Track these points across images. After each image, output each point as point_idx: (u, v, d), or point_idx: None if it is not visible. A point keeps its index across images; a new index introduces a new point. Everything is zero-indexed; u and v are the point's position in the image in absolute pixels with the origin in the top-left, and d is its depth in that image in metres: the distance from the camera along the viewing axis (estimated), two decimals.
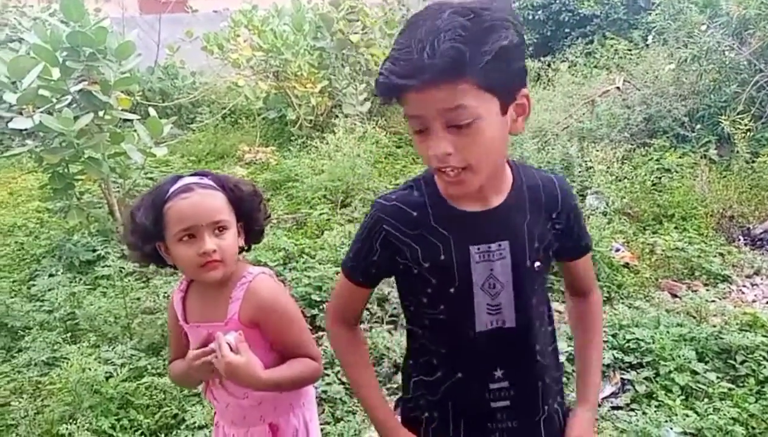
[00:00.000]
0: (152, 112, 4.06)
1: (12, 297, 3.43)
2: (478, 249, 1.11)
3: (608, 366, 2.71)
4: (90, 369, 2.55)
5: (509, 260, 1.11)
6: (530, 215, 1.13)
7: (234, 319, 1.31)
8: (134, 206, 1.32)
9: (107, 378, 2.57)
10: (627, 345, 2.81)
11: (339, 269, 3.70)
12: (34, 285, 3.60)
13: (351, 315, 1.28)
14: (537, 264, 1.13)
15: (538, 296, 1.17)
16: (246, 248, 1.42)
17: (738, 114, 4.92)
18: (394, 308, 3.15)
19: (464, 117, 0.95)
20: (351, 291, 1.24)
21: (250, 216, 1.37)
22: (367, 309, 3.14)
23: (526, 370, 1.18)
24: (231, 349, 1.22)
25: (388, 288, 3.26)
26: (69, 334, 3.09)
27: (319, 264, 3.50)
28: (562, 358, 1.42)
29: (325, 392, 2.54)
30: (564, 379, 1.32)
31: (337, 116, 6.14)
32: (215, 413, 1.50)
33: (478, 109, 0.95)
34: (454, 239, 1.10)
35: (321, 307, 3.15)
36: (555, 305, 2.01)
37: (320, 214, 4.46)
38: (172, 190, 1.28)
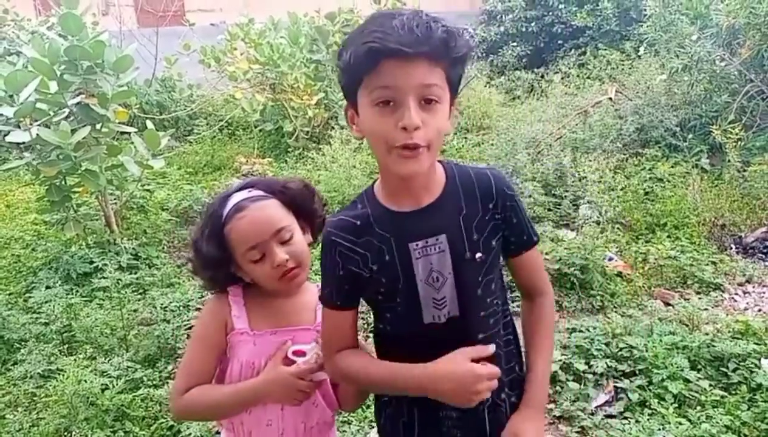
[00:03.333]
0: (149, 124, 4.09)
1: (8, 310, 3.43)
2: (416, 245, 1.15)
3: (601, 374, 2.73)
4: (86, 381, 2.56)
5: (448, 252, 1.16)
6: (466, 208, 1.17)
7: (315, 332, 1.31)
8: (194, 239, 1.29)
9: (103, 390, 2.58)
10: (620, 353, 2.82)
11: None
12: (30, 297, 3.61)
13: (345, 345, 1.23)
14: (478, 255, 1.16)
15: (485, 288, 1.19)
16: (315, 242, 1.37)
17: (729, 123, 4.98)
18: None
19: (434, 94, 1.04)
20: (336, 320, 1.23)
21: (307, 211, 1.34)
22: (363, 318, 3.14)
23: None
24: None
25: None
26: (65, 346, 3.10)
27: (316, 275, 3.51)
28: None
29: None
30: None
31: (333, 128, 6.19)
32: (225, 433, 1.38)
33: (442, 92, 1.06)
34: (395, 239, 1.16)
35: None
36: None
37: None
38: (225, 212, 1.26)
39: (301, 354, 1.28)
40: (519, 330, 1.32)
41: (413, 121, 1.02)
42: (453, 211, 1.17)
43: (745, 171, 4.78)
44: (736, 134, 4.81)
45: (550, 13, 9.28)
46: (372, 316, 1.30)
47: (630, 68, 6.78)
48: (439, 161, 1.20)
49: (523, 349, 1.31)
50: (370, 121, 1.07)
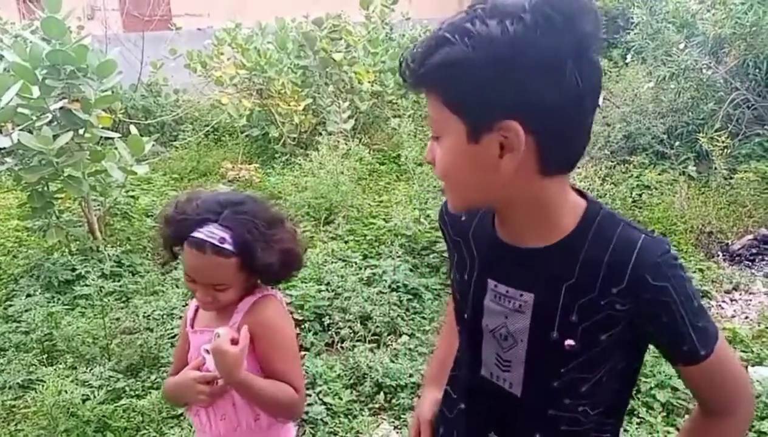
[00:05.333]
0: (134, 129, 4.04)
1: None
2: (495, 286, 0.94)
3: None
4: (66, 391, 2.50)
5: (529, 319, 0.91)
6: (578, 277, 0.87)
7: (233, 329, 1.33)
8: (163, 217, 1.37)
9: (84, 401, 2.52)
10: None
11: (321, 287, 3.64)
12: (11, 305, 3.53)
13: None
14: (569, 342, 0.88)
15: (569, 385, 0.92)
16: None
17: (715, 131, 5.01)
18: (377, 326, 3.14)
19: (432, 127, 0.87)
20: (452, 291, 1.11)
21: (265, 274, 1.36)
22: (350, 327, 3.12)
23: None
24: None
25: (371, 306, 3.25)
26: (45, 356, 3.03)
27: (302, 282, 3.48)
28: None
29: (306, 413, 2.52)
30: None
31: (320, 134, 6.15)
32: (195, 434, 1.48)
33: (440, 125, 0.85)
34: (479, 263, 0.97)
35: (303, 326, 3.13)
36: None
37: (303, 232, 4.44)
38: (193, 233, 1.28)
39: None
40: None
41: (425, 156, 0.92)
42: (559, 272, 0.88)
43: (731, 178, 4.82)
44: (723, 142, 4.84)
45: None
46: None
47: (617, 76, 6.81)
48: (586, 197, 0.92)
49: None
50: None
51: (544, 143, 0.81)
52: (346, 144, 5.80)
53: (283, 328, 1.38)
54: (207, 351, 1.33)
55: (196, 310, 1.45)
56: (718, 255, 4.16)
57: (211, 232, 1.27)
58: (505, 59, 0.76)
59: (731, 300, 3.62)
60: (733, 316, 3.43)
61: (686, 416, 2.47)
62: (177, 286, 3.64)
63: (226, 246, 1.27)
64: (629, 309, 0.85)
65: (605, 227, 0.87)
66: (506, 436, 1.00)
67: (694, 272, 3.79)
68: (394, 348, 3.02)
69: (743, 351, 2.83)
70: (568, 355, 0.89)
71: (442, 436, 1.13)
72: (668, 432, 2.37)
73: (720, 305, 3.56)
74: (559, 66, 0.77)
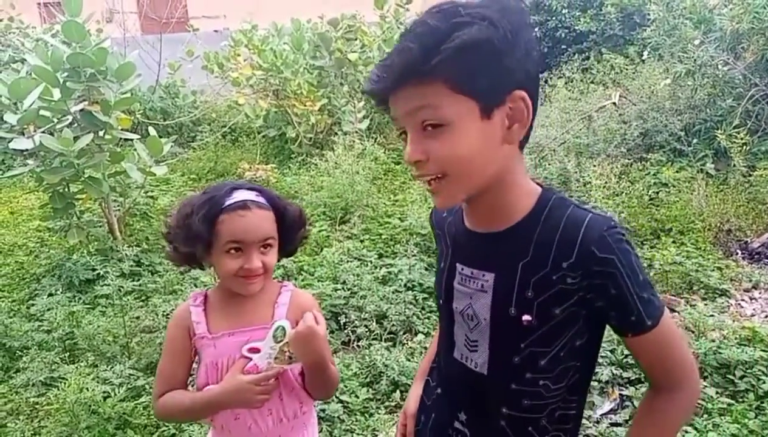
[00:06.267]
0: (152, 131, 4.09)
1: (11, 317, 3.44)
2: (462, 269, 1.03)
3: (607, 382, 2.70)
4: (88, 389, 2.55)
5: (490, 297, 0.98)
6: (532, 255, 0.94)
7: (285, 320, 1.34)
8: (187, 211, 1.33)
9: (105, 398, 2.57)
10: (625, 360, 2.80)
11: (337, 286, 3.67)
12: (33, 304, 3.61)
13: None
14: (526, 317, 0.94)
15: (529, 359, 0.97)
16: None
17: (734, 128, 4.95)
18: (393, 325, 3.15)
19: (431, 117, 0.88)
20: None
21: (289, 237, 1.41)
22: (366, 326, 3.14)
23: (488, 432, 1.05)
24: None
25: (387, 304, 3.26)
26: (67, 354, 3.09)
27: (318, 281, 3.51)
28: None
29: (323, 411, 2.54)
30: None
31: (336, 134, 6.18)
32: (212, 431, 1.46)
33: (449, 110, 0.87)
34: (451, 251, 1.07)
35: None
36: None
37: (319, 231, 4.48)
38: (228, 202, 1.31)
39: (255, 351, 1.31)
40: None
41: (408, 157, 0.91)
42: (516, 252, 0.95)
43: (750, 175, 4.75)
44: (741, 139, 4.78)
45: (554, 18, 9.27)
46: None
47: (634, 73, 6.75)
48: (541, 185, 1.00)
49: None
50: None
51: (534, 113, 0.92)
52: (362, 144, 5.82)
53: (321, 315, 1.39)
54: (251, 351, 1.31)
55: (206, 317, 1.38)
56: (737, 254, 4.11)
57: (244, 195, 1.33)
58: (513, 34, 0.86)
59: (751, 299, 3.57)
60: (753, 315, 3.38)
61: (705, 415, 2.46)
62: (195, 285, 3.69)
63: (262, 200, 1.34)
64: (580, 282, 0.91)
65: (556, 209, 0.95)
66: (475, 415, 1.06)
67: (713, 270, 3.75)
68: (410, 347, 3.03)
69: (763, 351, 2.79)
70: (527, 330, 0.95)
71: (422, 424, 1.20)
72: (686, 432, 2.35)
73: (739, 303, 3.52)
74: (535, 43, 0.92)
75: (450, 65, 0.85)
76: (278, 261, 1.43)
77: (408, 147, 0.91)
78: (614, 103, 6.04)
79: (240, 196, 1.32)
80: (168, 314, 3.34)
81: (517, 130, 0.91)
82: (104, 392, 2.61)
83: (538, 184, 1.00)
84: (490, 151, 0.90)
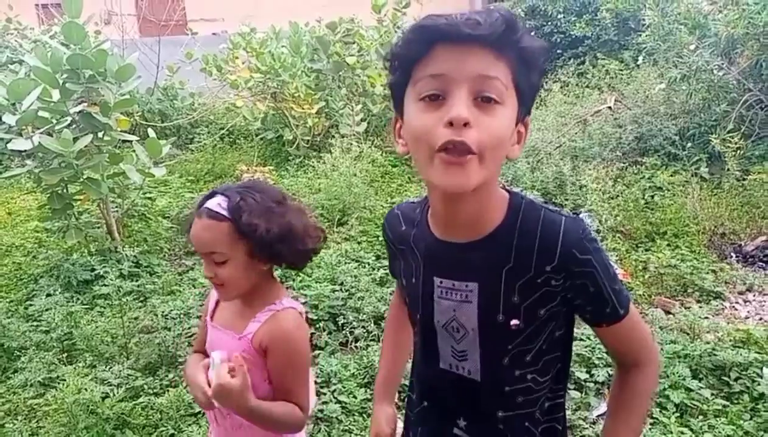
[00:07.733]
0: (151, 132, 4.11)
1: (9, 318, 3.43)
2: (441, 282, 1.00)
3: (603, 383, 2.72)
4: (86, 389, 2.55)
5: (476, 307, 0.98)
6: (515, 260, 0.95)
7: (247, 338, 1.31)
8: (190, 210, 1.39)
9: (103, 399, 2.57)
10: None
11: (335, 288, 3.67)
12: (31, 305, 3.61)
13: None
14: (514, 322, 0.96)
15: (516, 358, 0.99)
16: (278, 267, 1.40)
17: (728, 132, 5.00)
18: None
19: (494, 91, 0.84)
20: (399, 288, 1.25)
21: (268, 251, 1.28)
22: (363, 327, 3.15)
23: (489, 434, 1.06)
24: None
25: (384, 306, 3.28)
26: (65, 355, 3.09)
27: (316, 282, 3.52)
28: None
29: (321, 411, 2.55)
30: None
31: (333, 136, 6.20)
32: (210, 432, 1.50)
33: (505, 93, 0.85)
34: (424, 265, 1.03)
35: (318, 326, 3.17)
36: None
37: None
38: (199, 207, 1.32)
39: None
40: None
41: (460, 113, 0.81)
42: (497, 259, 0.96)
43: (744, 179, 4.80)
44: (736, 143, 4.82)
45: (549, 23, 9.33)
46: None
47: (629, 77, 6.81)
48: (507, 190, 0.99)
49: None
50: (414, 119, 0.87)
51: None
52: (359, 146, 5.84)
53: (298, 345, 1.32)
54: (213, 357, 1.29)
55: (217, 303, 1.43)
56: (731, 257, 4.15)
57: (212, 201, 1.30)
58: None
59: (745, 302, 3.61)
60: (747, 317, 3.42)
61: (700, 417, 2.48)
62: (194, 286, 3.70)
63: (220, 210, 1.27)
64: (563, 283, 0.94)
65: (529, 213, 0.96)
66: (473, 420, 1.06)
67: (707, 273, 3.78)
68: None
69: (758, 353, 2.81)
70: (514, 333, 0.97)
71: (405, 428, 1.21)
72: (682, 433, 2.37)
73: (734, 306, 3.55)
74: None
75: (525, 57, 0.86)
76: (280, 268, 1.41)
77: (459, 106, 0.82)
78: (609, 108, 6.09)
79: (209, 202, 1.29)
80: (166, 315, 3.35)
81: (518, 149, 0.94)
82: (103, 392, 2.60)
83: (501, 186, 1.01)
84: (506, 151, 0.91)
